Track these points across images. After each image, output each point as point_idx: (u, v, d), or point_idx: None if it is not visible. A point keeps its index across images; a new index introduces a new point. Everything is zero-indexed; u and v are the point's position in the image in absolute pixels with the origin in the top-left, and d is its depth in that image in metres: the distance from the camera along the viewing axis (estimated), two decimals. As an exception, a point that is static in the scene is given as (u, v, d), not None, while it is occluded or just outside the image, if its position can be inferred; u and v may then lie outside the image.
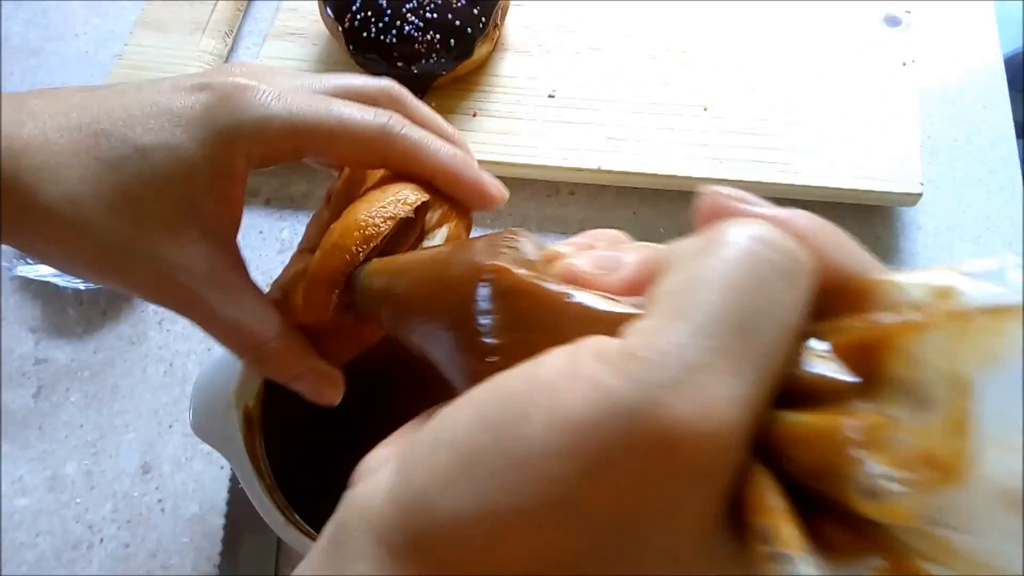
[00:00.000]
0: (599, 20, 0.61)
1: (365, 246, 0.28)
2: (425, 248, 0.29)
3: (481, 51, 0.57)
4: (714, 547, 0.16)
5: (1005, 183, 0.56)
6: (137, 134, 0.28)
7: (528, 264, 0.21)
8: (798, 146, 0.54)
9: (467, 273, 0.21)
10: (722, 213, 0.19)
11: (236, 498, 0.47)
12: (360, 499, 0.18)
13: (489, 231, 0.52)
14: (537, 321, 0.20)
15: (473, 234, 0.34)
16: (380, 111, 0.30)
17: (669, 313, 0.16)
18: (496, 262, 0.21)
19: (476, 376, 0.19)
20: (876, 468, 0.14)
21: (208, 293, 0.29)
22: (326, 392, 0.32)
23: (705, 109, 0.56)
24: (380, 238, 0.28)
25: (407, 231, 0.30)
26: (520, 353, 0.18)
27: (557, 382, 0.16)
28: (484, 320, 0.21)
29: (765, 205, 0.19)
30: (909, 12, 0.60)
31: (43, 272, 0.51)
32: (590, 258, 0.21)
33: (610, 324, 0.18)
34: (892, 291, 0.16)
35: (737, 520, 0.16)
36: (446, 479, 0.16)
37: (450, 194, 0.31)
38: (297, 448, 0.41)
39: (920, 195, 0.52)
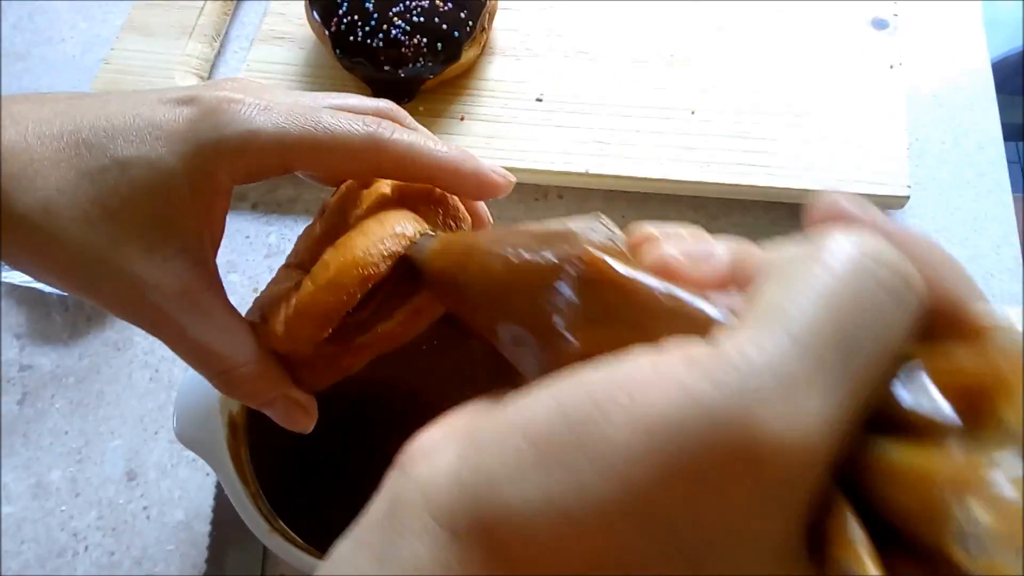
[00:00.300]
0: (587, 24, 0.61)
1: (364, 287, 0.27)
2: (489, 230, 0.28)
3: (468, 55, 0.57)
4: (787, 570, 0.15)
5: (993, 185, 0.56)
6: (118, 146, 0.27)
7: (617, 253, 0.20)
8: (786, 149, 0.54)
9: (550, 259, 0.20)
10: (836, 219, 0.18)
11: (222, 505, 0.46)
12: (421, 477, 0.18)
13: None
14: (624, 315, 0.19)
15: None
16: (369, 119, 0.29)
17: (766, 320, 0.15)
18: (587, 250, 0.20)
19: (549, 366, 0.18)
20: (979, 520, 0.13)
21: (179, 313, 0.28)
22: (298, 420, 0.32)
23: (693, 113, 0.56)
24: (380, 277, 0.27)
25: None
26: (600, 346, 0.17)
27: (643, 381, 0.15)
28: (565, 309, 0.20)
29: (881, 216, 0.18)
30: (896, 15, 0.60)
31: (28, 277, 0.51)
32: (681, 247, 0.20)
33: (702, 325, 0.17)
34: (1006, 336, 0.15)
35: (813, 547, 0.15)
36: (518, 468, 0.16)
37: (453, 191, 0.30)
38: (282, 455, 0.41)
39: (907, 198, 0.52)
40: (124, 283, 0.27)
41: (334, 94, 0.31)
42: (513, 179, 0.31)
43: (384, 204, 0.30)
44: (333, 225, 0.30)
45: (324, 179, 0.33)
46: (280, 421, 0.31)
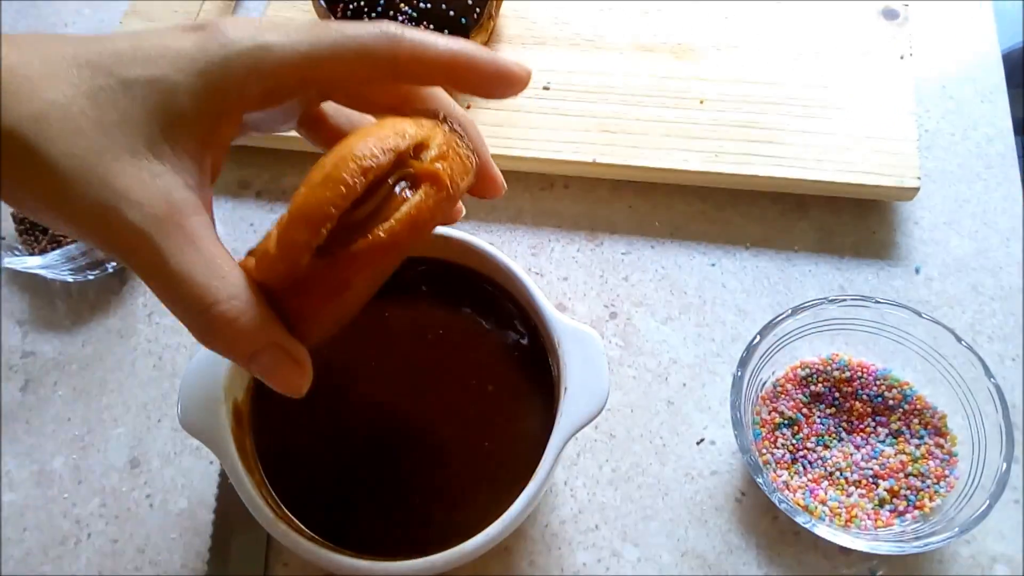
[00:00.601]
0: (594, 12, 0.61)
1: (362, 179, 0.26)
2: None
3: (475, 42, 0.57)
4: None
5: (1002, 178, 0.56)
6: (122, 67, 0.26)
7: None
8: (794, 140, 0.54)
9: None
10: None
11: (225, 493, 0.46)
12: None
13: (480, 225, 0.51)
14: None
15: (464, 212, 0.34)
16: (379, 23, 0.28)
17: None
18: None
19: None
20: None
21: (158, 236, 0.25)
22: (289, 377, 0.28)
23: (701, 102, 0.56)
24: (380, 171, 0.26)
25: (395, 169, 0.27)
26: None
27: None
28: None
29: None
30: (907, 6, 0.59)
31: (31, 264, 0.50)
32: None
33: None
34: None
35: None
36: None
37: (472, 86, 0.29)
38: (287, 443, 0.41)
39: (917, 190, 0.51)
40: (104, 198, 0.25)
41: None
42: (531, 71, 0.30)
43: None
44: None
45: (343, 96, 0.32)
46: (269, 380, 0.28)
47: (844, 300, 0.46)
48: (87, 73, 0.26)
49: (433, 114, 0.30)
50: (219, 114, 0.28)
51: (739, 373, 0.44)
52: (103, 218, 0.25)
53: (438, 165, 0.27)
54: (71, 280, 0.54)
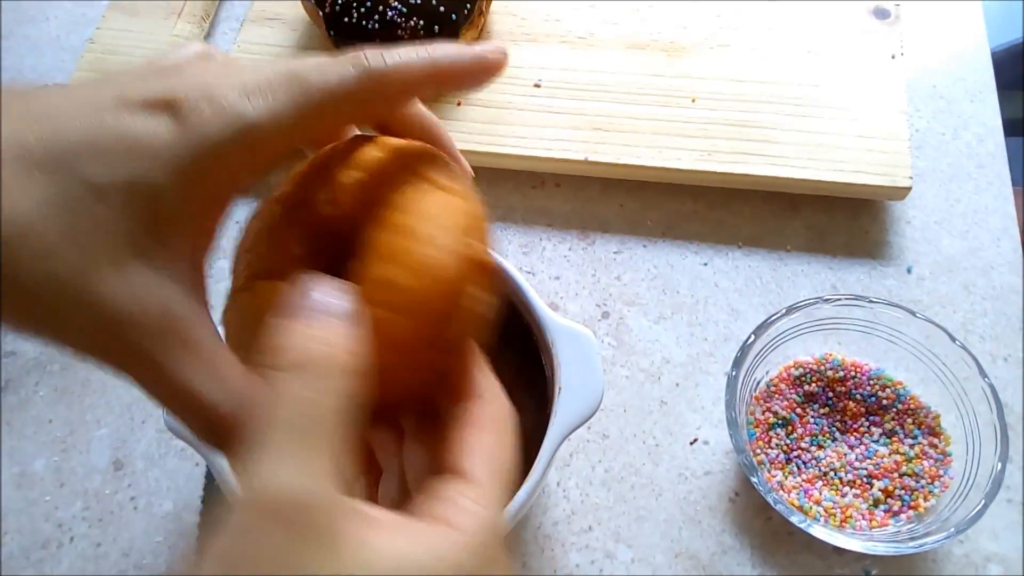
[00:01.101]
0: (586, 9, 0.60)
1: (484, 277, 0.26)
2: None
3: (465, 39, 0.56)
4: None
5: (993, 177, 0.56)
6: (84, 166, 0.23)
7: None
8: (786, 139, 0.53)
9: None
10: None
11: (212, 495, 0.45)
12: None
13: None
14: None
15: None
16: (348, 55, 0.26)
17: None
18: None
19: None
20: None
21: (157, 349, 0.24)
22: None
23: (693, 101, 0.55)
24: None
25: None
26: None
27: None
28: None
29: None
30: (898, 5, 0.59)
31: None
32: None
33: None
34: None
35: None
36: None
37: (458, 84, 0.29)
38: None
39: (909, 189, 0.51)
40: (95, 321, 0.23)
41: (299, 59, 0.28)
42: (506, 49, 0.29)
43: (382, 166, 0.29)
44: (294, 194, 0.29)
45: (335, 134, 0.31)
46: None
47: (838, 299, 0.45)
48: (44, 180, 0.23)
49: (421, 151, 0.30)
50: (210, 206, 0.25)
51: (734, 373, 0.43)
52: (97, 340, 0.24)
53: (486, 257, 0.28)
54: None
